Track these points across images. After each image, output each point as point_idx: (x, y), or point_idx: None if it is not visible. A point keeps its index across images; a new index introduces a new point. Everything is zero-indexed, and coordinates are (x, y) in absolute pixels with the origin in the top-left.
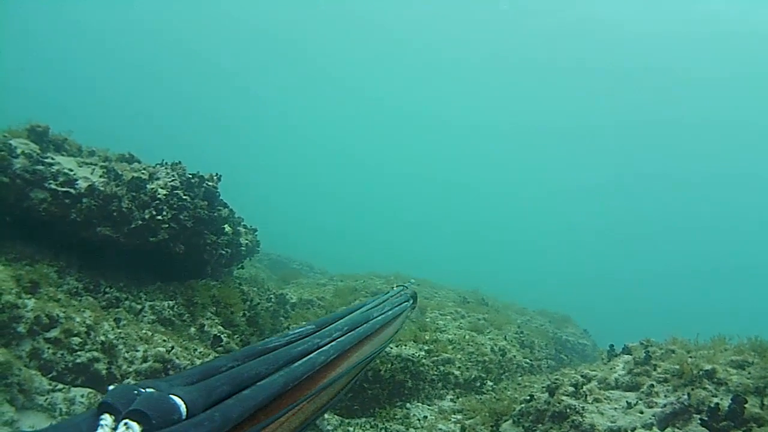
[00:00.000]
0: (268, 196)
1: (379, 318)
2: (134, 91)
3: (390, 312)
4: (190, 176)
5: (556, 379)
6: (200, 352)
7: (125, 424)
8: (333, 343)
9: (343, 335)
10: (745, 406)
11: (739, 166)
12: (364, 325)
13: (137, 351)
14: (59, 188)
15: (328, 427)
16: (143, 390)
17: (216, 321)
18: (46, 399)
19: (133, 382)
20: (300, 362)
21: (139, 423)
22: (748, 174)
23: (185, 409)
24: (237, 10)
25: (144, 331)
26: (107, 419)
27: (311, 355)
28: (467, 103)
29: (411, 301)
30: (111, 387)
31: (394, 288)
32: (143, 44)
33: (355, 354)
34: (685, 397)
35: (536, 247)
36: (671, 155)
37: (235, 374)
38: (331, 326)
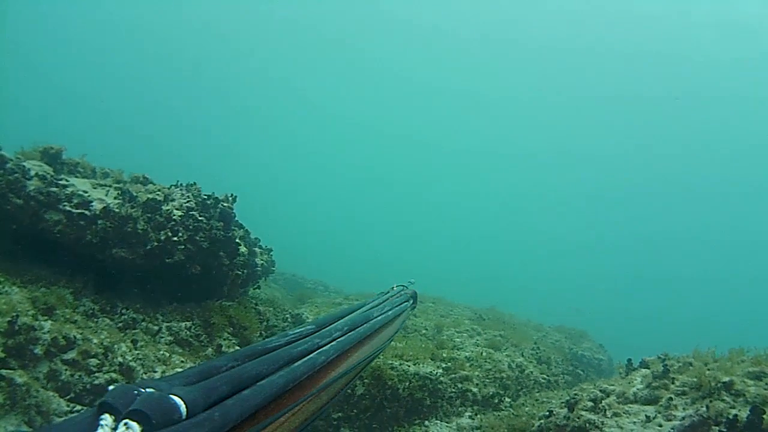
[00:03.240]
0: (282, 214)
1: (380, 318)
2: (138, 112)
3: (390, 312)
4: (206, 197)
5: (575, 395)
6: None
7: (125, 424)
8: (333, 343)
9: (344, 335)
10: (763, 416)
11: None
12: (365, 325)
13: (155, 372)
14: (74, 210)
15: None
16: (143, 390)
17: (233, 341)
18: None
19: None
20: (300, 362)
21: (139, 423)
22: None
23: (185, 409)
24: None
25: (162, 352)
26: (107, 419)
27: (311, 355)
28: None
29: (411, 301)
30: (111, 387)
31: (394, 288)
32: (145, 61)
33: (355, 354)
34: (704, 409)
35: (551, 262)
36: (686, 161)
37: (235, 374)
38: (331, 326)
